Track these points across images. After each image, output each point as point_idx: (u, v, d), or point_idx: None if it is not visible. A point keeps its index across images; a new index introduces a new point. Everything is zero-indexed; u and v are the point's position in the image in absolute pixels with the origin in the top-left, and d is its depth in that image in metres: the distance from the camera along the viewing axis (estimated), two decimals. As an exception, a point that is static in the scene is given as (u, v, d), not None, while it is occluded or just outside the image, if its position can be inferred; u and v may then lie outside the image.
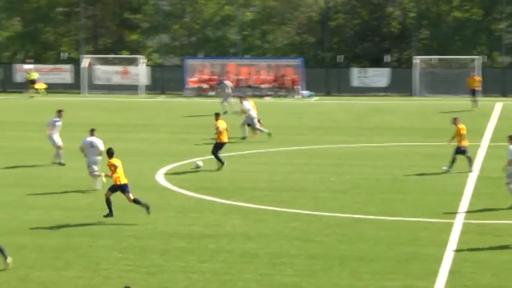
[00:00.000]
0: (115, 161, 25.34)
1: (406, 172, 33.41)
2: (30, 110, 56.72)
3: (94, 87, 69.53)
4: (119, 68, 70.86)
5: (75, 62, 72.96)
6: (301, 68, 68.73)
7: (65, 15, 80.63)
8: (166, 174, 33.14)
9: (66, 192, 29.43)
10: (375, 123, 50.43)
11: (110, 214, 25.11)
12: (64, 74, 71.33)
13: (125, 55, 75.39)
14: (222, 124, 34.86)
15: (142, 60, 71.32)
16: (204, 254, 21.64)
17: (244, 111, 43.30)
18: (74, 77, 70.60)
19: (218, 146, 34.56)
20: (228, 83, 58.76)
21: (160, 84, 71.20)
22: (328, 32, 74.88)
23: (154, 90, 70.03)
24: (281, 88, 69.23)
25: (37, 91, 65.61)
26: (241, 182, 31.72)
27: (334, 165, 35.40)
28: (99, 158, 29.94)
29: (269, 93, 68.44)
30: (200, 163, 34.51)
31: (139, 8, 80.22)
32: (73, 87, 69.83)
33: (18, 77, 71.06)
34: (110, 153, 25.90)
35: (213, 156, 34.34)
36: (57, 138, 34.85)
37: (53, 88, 68.29)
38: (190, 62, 70.92)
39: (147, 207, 24.89)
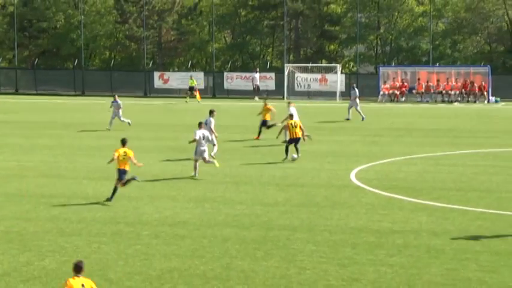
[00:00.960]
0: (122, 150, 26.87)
1: None
2: (235, 114, 57.73)
3: (295, 93, 70.32)
4: (318, 76, 71.36)
5: (278, 70, 74.01)
6: (489, 75, 67.33)
7: (270, 28, 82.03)
8: (358, 173, 33.07)
9: (267, 188, 29.77)
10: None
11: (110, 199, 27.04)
12: (268, 81, 72.47)
13: (323, 64, 75.89)
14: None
15: (339, 68, 71.69)
16: (392, 249, 21.42)
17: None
18: (277, 83, 71.58)
19: None
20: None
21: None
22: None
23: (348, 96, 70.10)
24: (469, 94, 68.17)
25: (191, 96, 67.08)
26: (429, 182, 31.22)
27: (519, 168, 34.49)
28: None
29: (458, 99, 67.79)
30: (295, 155, 35.22)
31: (338, 20, 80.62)
32: (276, 93, 70.90)
33: (227, 84, 72.68)
34: (123, 142, 27.29)
35: (405, 158, 34.08)
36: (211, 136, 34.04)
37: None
38: (383, 70, 70.84)
39: (134, 178, 27.03)
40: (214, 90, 73.36)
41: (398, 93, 69.02)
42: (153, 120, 53.14)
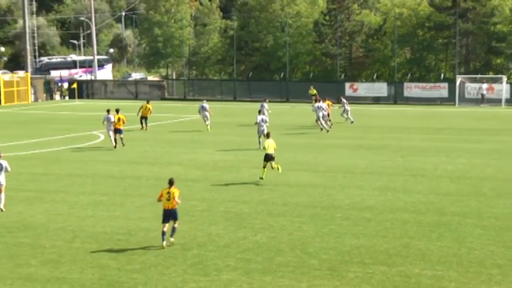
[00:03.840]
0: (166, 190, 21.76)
1: None
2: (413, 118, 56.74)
3: (465, 101, 68.27)
4: (486, 85, 68.93)
5: (450, 81, 72.15)
6: None
7: (443, 45, 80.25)
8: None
9: (440, 180, 29.06)
10: None
11: None
12: (441, 90, 70.68)
13: (491, 75, 73.29)
14: None
15: (504, 79, 69.08)
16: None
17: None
18: (449, 92, 69.83)
19: None
20: None
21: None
22: None
23: (513, 103, 67.53)
24: None
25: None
26: None
27: None
28: None
29: None
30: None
31: (504, 38, 77.62)
32: (448, 101, 69.18)
33: (406, 93, 71.65)
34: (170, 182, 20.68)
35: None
36: None
37: (431, 101, 68.75)
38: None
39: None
40: (396, 98, 72.30)
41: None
42: (344, 122, 53.02)
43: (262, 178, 28.85)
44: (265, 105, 47.74)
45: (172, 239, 19.79)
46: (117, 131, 39.24)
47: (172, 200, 19.72)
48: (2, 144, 39.08)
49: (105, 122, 39.91)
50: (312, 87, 69.17)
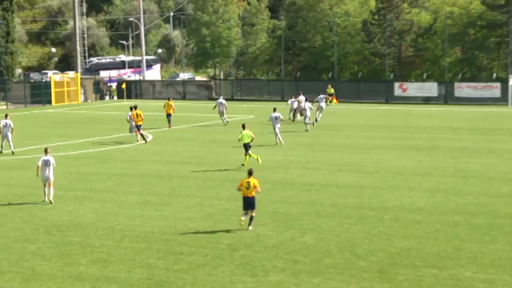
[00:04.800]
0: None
1: None
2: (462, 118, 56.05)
3: (517, 100, 67.30)
4: (539, 85, 67.88)
5: (503, 80, 71.07)
6: None
7: (496, 44, 79.09)
8: None
9: (492, 182, 28.60)
10: None
11: None
12: (494, 90, 69.66)
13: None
14: None
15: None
16: None
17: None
18: (502, 92, 68.77)
19: None
20: None
21: None
22: None
23: None
24: None
25: (330, 102, 67.75)
26: None
27: None
28: None
29: None
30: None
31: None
32: (500, 101, 68.14)
33: (457, 93, 70.77)
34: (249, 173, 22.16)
35: None
36: None
37: (482, 102, 67.82)
38: None
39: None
40: (446, 98, 71.47)
41: None
42: (393, 123, 52.61)
43: (243, 165, 32.11)
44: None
45: (250, 227, 21.29)
46: (136, 127, 41.72)
47: (251, 189, 21.19)
48: (52, 144, 39.64)
49: (128, 119, 43.04)
50: (329, 85, 69.84)
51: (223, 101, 52.11)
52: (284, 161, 34.48)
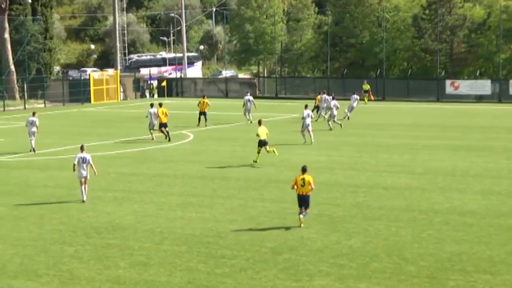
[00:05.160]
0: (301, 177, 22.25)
1: None
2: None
3: None
4: None
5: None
6: None
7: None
8: None
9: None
10: None
11: None
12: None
13: None
14: None
15: None
16: None
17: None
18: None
19: None
20: None
21: None
22: None
23: None
24: None
25: (369, 100, 67.95)
26: None
27: None
28: None
29: None
30: None
31: None
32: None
33: (511, 91, 69.90)
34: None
35: None
36: None
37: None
38: None
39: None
40: (500, 96, 70.62)
41: None
42: (444, 122, 52.14)
43: (255, 161, 33.50)
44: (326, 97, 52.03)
45: (301, 218, 22.11)
46: (162, 125, 42.40)
47: (306, 186, 21.84)
48: (91, 144, 40.08)
49: (148, 116, 43.66)
50: (365, 81, 69.70)
51: (251, 98, 52.67)
52: (329, 162, 34.39)
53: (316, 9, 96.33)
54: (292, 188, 22.23)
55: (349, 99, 55.07)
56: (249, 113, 51.81)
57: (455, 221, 22.53)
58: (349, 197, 26.34)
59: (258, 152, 33.61)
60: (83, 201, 25.88)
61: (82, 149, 26.31)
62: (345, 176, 30.44)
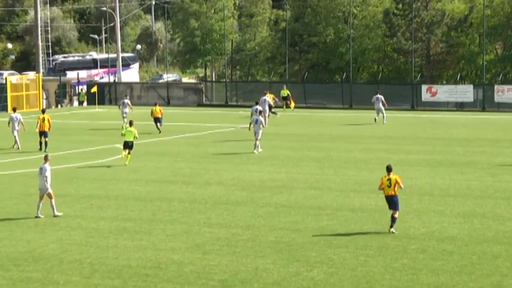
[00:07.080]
0: None
1: None
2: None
3: None
4: None
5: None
6: None
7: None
8: None
9: (540, 205, 28.67)
10: None
11: None
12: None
13: None
14: None
15: None
16: None
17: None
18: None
19: None
20: None
21: None
22: None
23: None
24: None
25: (287, 106, 69.45)
26: None
27: None
28: None
29: None
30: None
31: None
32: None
33: (497, 97, 70.87)
34: None
35: None
36: None
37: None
38: None
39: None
40: (484, 104, 71.69)
41: None
42: (420, 133, 52.69)
43: (126, 165, 37.96)
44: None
45: (392, 229, 24.07)
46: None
47: (393, 186, 23.97)
48: (8, 160, 39.62)
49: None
50: (285, 86, 70.69)
51: (128, 100, 58.83)
52: (288, 180, 34.51)
53: (272, 3, 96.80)
54: (379, 189, 24.43)
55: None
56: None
57: (433, 248, 22.76)
58: (311, 221, 26.44)
59: (125, 153, 38.49)
60: (36, 216, 27.08)
61: (46, 159, 28.07)
62: (306, 197, 30.56)
